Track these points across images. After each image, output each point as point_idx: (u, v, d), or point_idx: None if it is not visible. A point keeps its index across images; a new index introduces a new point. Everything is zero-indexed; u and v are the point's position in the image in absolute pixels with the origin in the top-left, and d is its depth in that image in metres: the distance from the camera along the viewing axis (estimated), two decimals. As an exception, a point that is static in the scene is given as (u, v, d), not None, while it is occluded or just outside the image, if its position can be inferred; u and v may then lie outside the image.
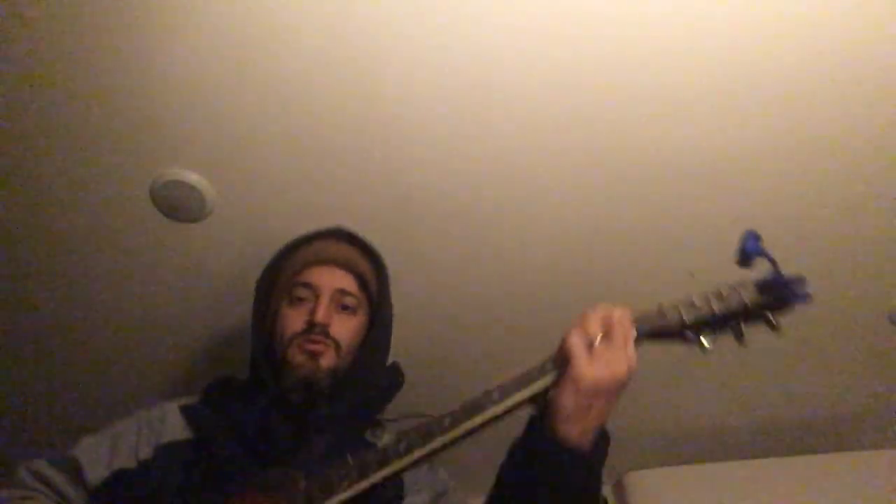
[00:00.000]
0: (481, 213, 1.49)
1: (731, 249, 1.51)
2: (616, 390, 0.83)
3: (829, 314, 1.66)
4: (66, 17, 1.18)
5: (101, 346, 1.72)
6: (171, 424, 1.12)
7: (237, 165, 1.41)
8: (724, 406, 1.91)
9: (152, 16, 1.19)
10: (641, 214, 1.48)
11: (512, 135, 1.37)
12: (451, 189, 1.46)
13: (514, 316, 1.68)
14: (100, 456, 1.07)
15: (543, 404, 0.86)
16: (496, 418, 0.84)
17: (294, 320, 1.17)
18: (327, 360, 1.13)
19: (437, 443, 0.84)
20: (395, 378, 1.24)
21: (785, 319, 0.86)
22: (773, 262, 0.85)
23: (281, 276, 1.25)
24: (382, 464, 0.86)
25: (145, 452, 1.08)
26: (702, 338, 0.86)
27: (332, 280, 1.20)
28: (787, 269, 0.87)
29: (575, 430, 0.82)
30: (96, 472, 1.05)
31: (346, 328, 1.18)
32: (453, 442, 0.85)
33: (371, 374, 1.21)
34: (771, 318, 0.86)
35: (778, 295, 0.86)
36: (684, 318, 0.86)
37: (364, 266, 1.26)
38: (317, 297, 1.18)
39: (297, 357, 1.13)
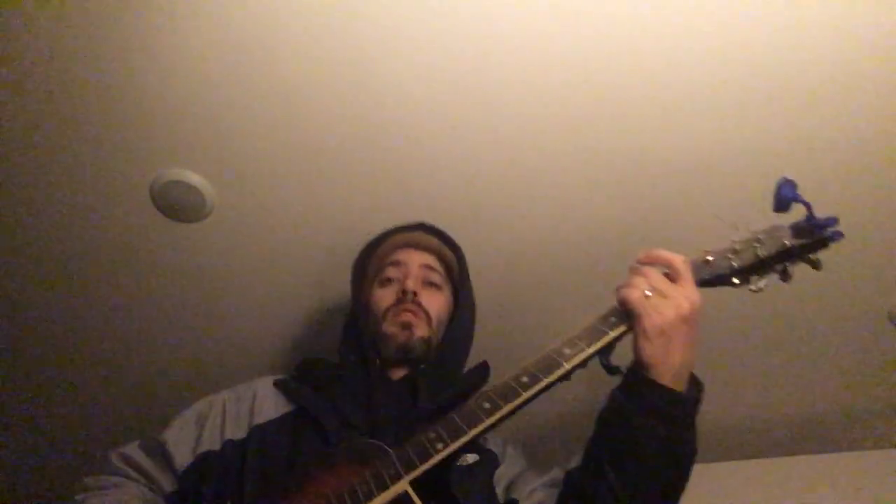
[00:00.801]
0: (481, 213, 1.50)
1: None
2: (686, 327, 0.87)
3: (829, 314, 1.66)
4: (67, 18, 1.18)
5: (101, 347, 1.72)
6: (267, 401, 1.13)
7: (237, 165, 1.41)
8: (723, 406, 1.91)
9: (152, 16, 1.19)
10: (642, 213, 1.48)
11: (514, 135, 1.37)
12: (452, 189, 1.46)
13: (514, 316, 1.68)
14: (186, 440, 1.08)
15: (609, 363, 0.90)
16: (569, 372, 0.88)
17: (386, 297, 1.23)
18: (420, 330, 1.18)
19: (519, 399, 0.87)
20: (483, 372, 1.24)
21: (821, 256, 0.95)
22: (807, 205, 0.90)
23: (370, 264, 1.32)
24: (471, 423, 0.87)
25: (236, 433, 1.08)
26: (750, 281, 0.93)
27: (417, 258, 1.29)
28: (800, 277, 0.95)
29: (664, 374, 0.86)
30: (183, 457, 1.06)
31: (433, 300, 1.23)
32: (533, 397, 0.88)
33: (460, 353, 1.25)
34: (811, 257, 0.94)
35: (814, 235, 0.92)
36: (733, 263, 0.92)
37: (447, 253, 1.34)
38: (404, 274, 1.25)
39: (391, 328, 1.18)
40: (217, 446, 1.07)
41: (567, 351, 0.89)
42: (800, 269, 0.95)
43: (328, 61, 1.25)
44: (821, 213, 0.92)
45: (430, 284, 1.27)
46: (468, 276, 1.33)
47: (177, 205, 1.45)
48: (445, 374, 1.20)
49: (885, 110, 1.31)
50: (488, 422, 0.87)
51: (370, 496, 0.84)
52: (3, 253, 1.55)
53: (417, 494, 0.85)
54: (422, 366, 1.18)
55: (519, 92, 1.31)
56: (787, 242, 0.92)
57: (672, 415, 0.86)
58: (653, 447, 0.86)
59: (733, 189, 1.43)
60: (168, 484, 1.05)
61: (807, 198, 0.91)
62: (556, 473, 1.08)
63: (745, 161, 1.39)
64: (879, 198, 1.44)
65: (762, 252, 0.92)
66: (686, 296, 0.88)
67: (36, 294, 1.63)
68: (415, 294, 1.21)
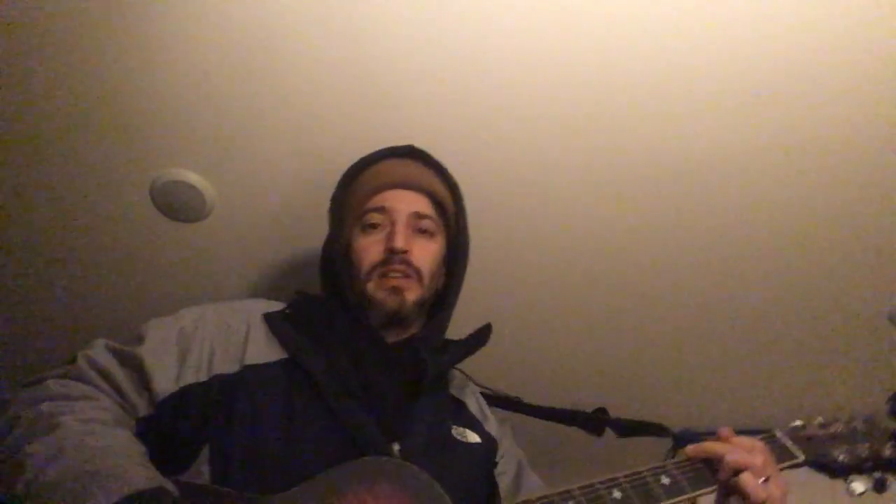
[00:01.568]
0: (483, 213, 1.49)
1: (731, 247, 1.52)
2: None
3: (829, 314, 1.66)
4: (67, 18, 1.18)
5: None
6: (260, 340, 1.03)
7: (237, 165, 1.41)
8: (723, 406, 1.91)
9: (153, 16, 1.19)
10: (643, 214, 1.48)
11: (516, 135, 1.37)
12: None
13: (514, 316, 1.68)
14: (168, 363, 0.96)
15: None
16: None
17: (371, 250, 1.08)
18: (412, 294, 1.07)
19: None
20: (483, 334, 1.17)
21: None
22: None
23: (351, 201, 1.15)
24: None
25: (226, 366, 0.98)
26: (850, 481, 0.97)
27: (407, 203, 1.11)
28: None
29: None
30: (163, 384, 0.93)
31: (426, 254, 1.10)
32: None
33: (451, 306, 1.15)
34: None
35: None
36: (840, 457, 0.96)
37: (440, 188, 1.17)
38: (392, 221, 1.09)
39: (378, 293, 1.06)
40: (203, 377, 0.96)
41: (665, 482, 0.91)
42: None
43: (329, 62, 1.25)
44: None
45: (422, 232, 1.11)
46: (464, 211, 1.20)
47: (177, 205, 1.45)
48: (441, 332, 1.13)
49: (885, 110, 1.30)
50: None
51: None
52: (3, 253, 1.55)
53: None
54: (417, 334, 1.10)
55: (519, 92, 1.30)
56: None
57: None
58: None
59: (735, 189, 1.43)
60: (143, 407, 0.93)
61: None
62: None
63: (747, 161, 1.39)
64: (879, 198, 1.43)
65: (869, 450, 0.94)
66: (783, 490, 0.90)
67: (36, 294, 1.63)
68: (405, 252, 1.06)
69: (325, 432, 0.93)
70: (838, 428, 0.94)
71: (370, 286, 1.07)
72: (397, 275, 1.06)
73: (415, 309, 1.08)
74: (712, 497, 0.94)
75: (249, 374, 0.97)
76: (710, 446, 0.95)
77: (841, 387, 1.85)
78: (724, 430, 0.96)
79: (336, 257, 1.12)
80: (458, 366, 1.17)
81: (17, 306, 1.66)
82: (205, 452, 0.91)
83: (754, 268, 1.56)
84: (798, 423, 0.99)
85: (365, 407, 0.97)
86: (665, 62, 1.25)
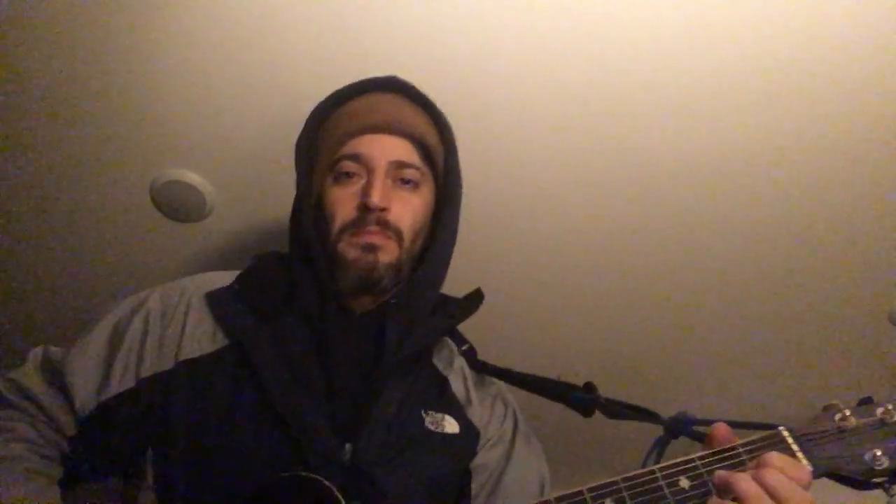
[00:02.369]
0: (484, 214, 1.49)
1: (730, 248, 1.52)
2: None
3: (829, 314, 1.66)
4: (67, 18, 1.18)
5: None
6: (199, 326, 0.91)
7: (237, 165, 1.40)
8: (723, 406, 1.91)
9: (153, 16, 1.19)
10: (644, 214, 1.48)
11: (517, 136, 1.37)
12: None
13: (516, 316, 1.68)
14: (90, 372, 0.87)
15: None
16: None
17: (343, 204, 0.93)
18: (387, 255, 0.92)
19: None
20: (474, 304, 1.03)
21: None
22: None
23: (322, 145, 0.99)
24: None
25: (157, 364, 0.87)
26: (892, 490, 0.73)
27: (386, 150, 0.95)
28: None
29: None
30: (84, 399, 0.85)
31: (408, 209, 0.95)
32: None
33: (438, 274, 1.00)
34: None
35: None
36: (879, 462, 0.71)
37: (427, 131, 1.00)
38: (369, 171, 0.94)
39: (349, 251, 0.92)
40: (129, 383, 0.86)
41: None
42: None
43: (329, 62, 1.25)
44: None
45: (404, 183, 0.96)
46: (456, 154, 1.03)
47: (177, 205, 1.45)
48: (421, 305, 0.97)
49: (885, 111, 1.30)
50: None
51: None
52: (3, 254, 1.55)
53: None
54: (392, 300, 0.95)
55: (518, 92, 1.30)
56: None
57: None
58: None
59: (736, 190, 1.43)
60: (69, 427, 0.85)
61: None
62: None
63: (747, 162, 1.39)
64: (879, 198, 1.43)
65: None
66: None
67: (36, 294, 1.63)
68: (382, 210, 0.92)
69: (268, 435, 0.83)
70: (869, 418, 0.72)
71: (341, 245, 0.92)
72: (372, 234, 0.92)
73: (391, 273, 0.93)
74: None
75: (184, 371, 0.86)
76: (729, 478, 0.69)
77: (841, 387, 1.85)
78: (720, 428, 0.76)
79: (304, 210, 0.98)
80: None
81: (17, 307, 1.65)
82: (150, 454, 0.86)
83: (753, 266, 1.56)
84: (822, 411, 0.78)
85: (319, 398, 0.85)
86: (668, 62, 1.25)
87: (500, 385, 1.05)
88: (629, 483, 0.70)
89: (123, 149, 1.37)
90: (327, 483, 0.76)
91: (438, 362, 1.00)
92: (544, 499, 0.71)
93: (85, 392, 0.86)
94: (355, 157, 0.94)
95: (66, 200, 1.45)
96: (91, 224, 1.49)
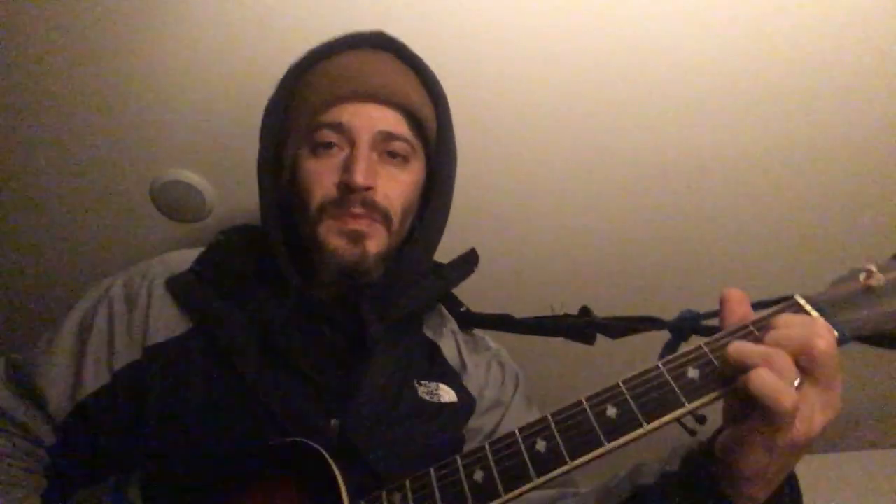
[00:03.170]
0: (485, 215, 1.49)
1: (731, 249, 1.52)
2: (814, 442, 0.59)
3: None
4: (67, 18, 1.18)
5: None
6: (163, 310, 0.84)
7: (237, 165, 1.40)
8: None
9: (153, 16, 1.19)
10: (647, 217, 1.48)
11: (514, 135, 1.36)
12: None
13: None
14: (62, 376, 0.82)
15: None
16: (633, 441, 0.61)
17: (322, 179, 0.83)
18: (376, 243, 0.83)
19: (539, 480, 0.61)
20: (469, 266, 0.95)
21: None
22: None
23: (297, 110, 0.88)
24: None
25: (127, 354, 0.82)
26: None
27: (372, 120, 0.84)
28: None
29: (760, 493, 0.59)
30: (59, 404, 0.81)
31: (396, 187, 0.85)
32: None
33: (428, 252, 0.93)
34: None
35: None
36: None
37: (417, 97, 0.89)
38: (351, 142, 0.84)
39: (332, 240, 0.82)
40: (104, 379, 0.81)
41: (638, 411, 0.60)
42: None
43: (328, 61, 1.25)
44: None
45: (392, 157, 0.86)
46: (450, 121, 0.93)
47: (177, 205, 1.45)
48: (403, 287, 0.88)
49: (884, 111, 1.30)
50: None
51: None
52: (2, 254, 1.55)
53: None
54: (366, 290, 0.85)
55: (519, 92, 1.30)
56: None
57: None
58: None
59: (738, 190, 1.43)
60: (47, 435, 0.81)
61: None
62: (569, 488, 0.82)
63: (747, 161, 1.39)
64: (879, 198, 1.43)
65: None
66: (834, 404, 0.58)
67: (35, 295, 1.63)
68: (367, 189, 0.82)
69: (248, 415, 0.77)
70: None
71: (322, 229, 0.83)
72: (358, 219, 0.83)
73: (378, 263, 0.85)
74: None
75: (156, 358, 0.80)
76: (741, 351, 0.58)
77: (841, 386, 1.84)
78: (732, 293, 0.64)
79: (273, 183, 0.88)
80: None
81: (17, 307, 1.65)
82: (140, 448, 0.81)
83: (754, 265, 1.56)
84: (843, 276, 0.66)
85: (301, 375, 0.80)
86: (669, 62, 1.25)
87: (500, 350, 1.00)
88: (631, 384, 0.61)
89: (123, 149, 1.37)
90: (314, 444, 0.71)
91: (429, 330, 0.95)
92: (541, 417, 0.64)
93: (58, 395, 0.81)
94: (336, 127, 0.84)
95: (66, 200, 1.45)
96: (91, 224, 1.49)
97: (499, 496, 0.60)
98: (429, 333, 0.94)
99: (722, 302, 0.64)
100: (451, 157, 0.94)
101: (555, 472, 0.60)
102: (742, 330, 0.62)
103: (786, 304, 0.64)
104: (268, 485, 0.71)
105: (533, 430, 0.62)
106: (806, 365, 0.56)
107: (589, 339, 0.85)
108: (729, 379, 0.58)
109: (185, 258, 0.92)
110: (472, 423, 0.89)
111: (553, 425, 0.62)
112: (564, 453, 0.60)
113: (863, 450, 1.95)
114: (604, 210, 1.47)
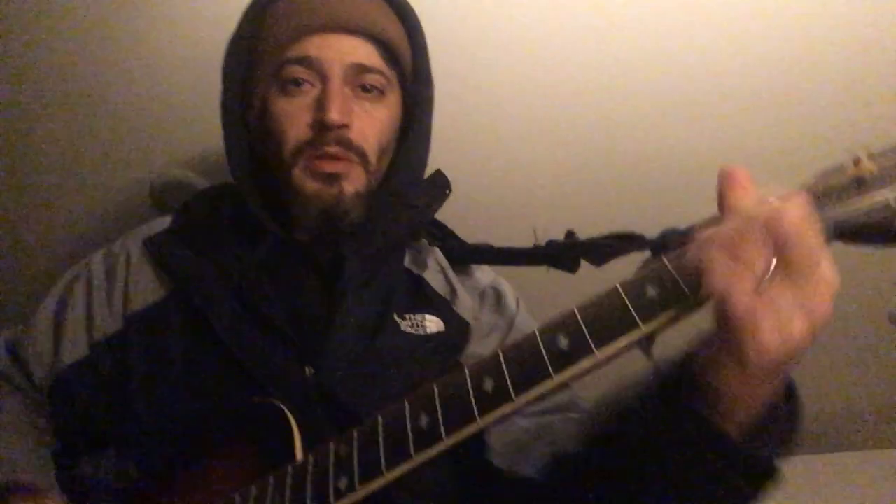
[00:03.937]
0: (485, 215, 1.49)
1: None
2: (802, 353, 0.47)
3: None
4: (66, 17, 1.18)
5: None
6: (142, 276, 0.83)
7: (237, 165, 1.41)
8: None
9: (153, 15, 1.19)
10: (640, 215, 1.48)
11: (514, 136, 1.36)
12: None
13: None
14: (42, 349, 0.84)
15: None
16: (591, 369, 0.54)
17: (294, 120, 0.80)
18: (353, 183, 0.80)
19: (492, 416, 0.56)
20: (437, 190, 0.90)
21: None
22: None
23: (262, 45, 0.83)
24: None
25: (106, 325, 0.82)
26: None
27: (343, 52, 0.80)
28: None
29: (743, 414, 0.52)
30: (41, 374, 0.83)
31: (372, 124, 0.82)
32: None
33: (412, 187, 0.88)
34: None
35: None
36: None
37: (389, 25, 0.84)
38: (323, 78, 0.80)
39: (308, 183, 0.80)
40: (82, 352, 0.81)
41: (591, 337, 0.53)
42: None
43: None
44: None
45: (366, 91, 0.82)
46: (426, 53, 0.88)
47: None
48: (384, 232, 0.84)
49: (886, 110, 1.31)
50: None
51: None
52: (2, 254, 1.55)
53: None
54: (349, 240, 0.82)
55: (519, 92, 1.30)
56: None
57: (726, 481, 0.56)
58: None
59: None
60: (41, 398, 0.84)
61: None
62: (564, 398, 0.77)
63: (747, 161, 1.39)
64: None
65: None
66: (821, 300, 0.46)
67: (36, 295, 1.62)
68: (343, 127, 0.78)
69: (226, 373, 0.76)
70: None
71: (297, 172, 0.80)
72: (334, 160, 0.79)
73: (356, 204, 0.82)
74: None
75: (135, 327, 0.80)
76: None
77: (841, 387, 1.85)
78: (737, 172, 0.55)
79: (240, 127, 0.85)
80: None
81: (16, 307, 1.65)
82: (128, 415, 0.80)
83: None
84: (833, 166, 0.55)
85: (277, 327, 0.77)
86: (668, 62, 1.25)
87: (497, 277, 0.96)
88: (585, 311, 0.54)
89: (123, 149, 1.37)
90: (274, 401, 0.69)
91: (412, 264, 0.90)
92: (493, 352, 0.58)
93: (40, 366, 0.84)
94: (305, 61, 0.79)
95: (66, 200, 1.45)
96: (91, 224, 1.49)
97: (441, 441, 0.56)
98: (411, 267, 0.90)
99: (720, 183, 0.53)
100: (428, 86, 0.89)
101: (497, 413, 0.55)
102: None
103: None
104: (230, 451, 0.71)
105: (483, 368, 0.57)
106: (776, 250, 0.44)
107: (572, 267, 0.80)
108: (692, 293, 0.49)
109: (165, 222, 0.92)
110: (472, 349, 0.84)
111: (503, 361, 0.56)
112: (511, 391, 0.54)
113: (863, 450, 1.95)
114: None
